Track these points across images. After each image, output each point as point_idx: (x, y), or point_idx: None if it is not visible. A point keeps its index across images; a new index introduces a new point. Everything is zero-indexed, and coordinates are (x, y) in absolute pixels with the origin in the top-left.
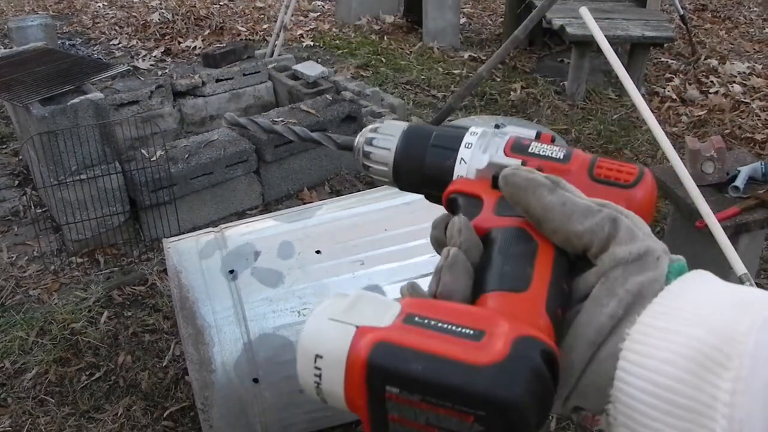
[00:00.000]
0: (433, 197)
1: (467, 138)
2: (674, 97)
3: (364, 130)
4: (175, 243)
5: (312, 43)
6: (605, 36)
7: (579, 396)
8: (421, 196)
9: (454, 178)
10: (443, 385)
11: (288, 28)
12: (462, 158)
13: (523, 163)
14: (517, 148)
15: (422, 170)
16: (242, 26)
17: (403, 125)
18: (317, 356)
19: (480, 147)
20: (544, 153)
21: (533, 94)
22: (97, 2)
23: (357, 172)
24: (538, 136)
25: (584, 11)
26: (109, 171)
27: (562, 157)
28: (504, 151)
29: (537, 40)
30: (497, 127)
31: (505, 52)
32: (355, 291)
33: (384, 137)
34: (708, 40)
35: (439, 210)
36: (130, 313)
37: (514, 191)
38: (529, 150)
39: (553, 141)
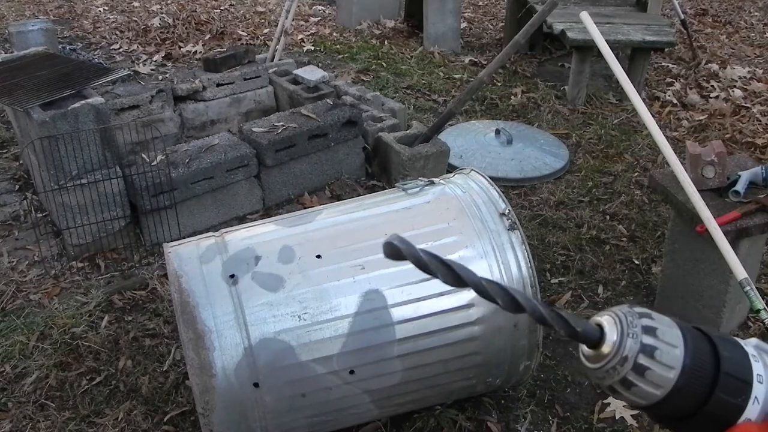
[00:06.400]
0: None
1: (755, 367)
2: (675, 101)
3: (625, 323)
4: (176, 247)
5: (313, 48)
6: (606, 40)
7: None
8: (421, 201)
9: (740, 419)
10: None
11: (289, 32)
12: (756, 397)
13: None
14: None
15: (704, 404)
16: (243, 31)
17: (680, 334)
18: None
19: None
20: None
21: (534, 99)
22: (97, 7)
23: (357, 177)
24: None
25: (585, 16)
26: (109, 175)
27: None
28: None
29: (538, 44)
30: (497, 133)
31: (506, 56)
32: None
33: (668, 350)
34: (709, 44)
35: (438, 215)
36: (130, 318)
37: None
38: None
39: None
